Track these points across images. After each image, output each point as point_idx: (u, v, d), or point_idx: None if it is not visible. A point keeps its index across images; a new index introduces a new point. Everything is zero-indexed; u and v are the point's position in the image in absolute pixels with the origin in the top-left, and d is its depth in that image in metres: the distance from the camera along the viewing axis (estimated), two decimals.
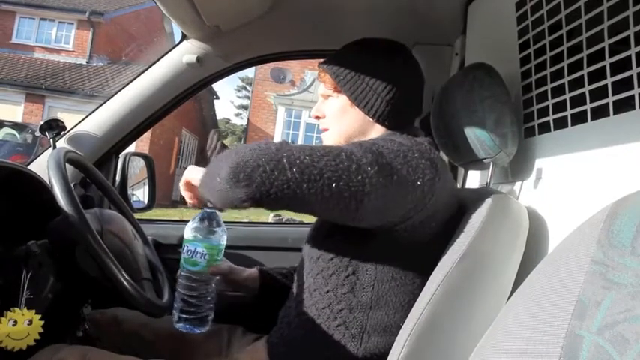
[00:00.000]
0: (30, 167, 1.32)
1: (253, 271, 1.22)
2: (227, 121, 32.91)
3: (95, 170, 1.32)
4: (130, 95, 1.52)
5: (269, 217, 7.90)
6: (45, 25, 14.91)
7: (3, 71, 13.34)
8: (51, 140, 1.39)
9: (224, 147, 1.03)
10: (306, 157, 0.75)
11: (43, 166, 1.38)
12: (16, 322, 0.90)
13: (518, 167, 1.21)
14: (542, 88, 1.10)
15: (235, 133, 31.14)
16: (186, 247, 1.04)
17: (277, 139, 11.13)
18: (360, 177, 0.76)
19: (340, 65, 1.05)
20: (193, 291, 1.05)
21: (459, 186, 1.57)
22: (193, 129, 16.39)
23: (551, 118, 1.07)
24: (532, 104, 1.15)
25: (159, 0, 1.24)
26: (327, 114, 1.10)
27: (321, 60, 1.11)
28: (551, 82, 1.07)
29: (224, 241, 1.08)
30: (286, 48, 1.57)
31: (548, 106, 1.08)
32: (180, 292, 1.05)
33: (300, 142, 12.71)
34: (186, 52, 1.51)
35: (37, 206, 1.11)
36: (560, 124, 1.04)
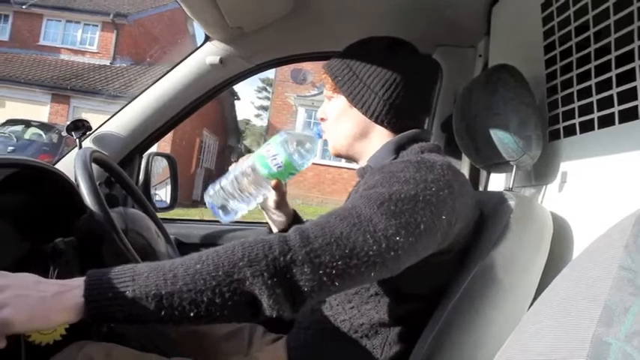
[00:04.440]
0: (56, 166, 1.34)
1: (293, 210, 1.21)
2: (247, 121, 33.17)
3: (120, 170, 1.34)
4: (153, 96, 1.54)
5: None
6: (71, 27, 15.22)
7: (31, 72, 13.66)
8: (77, 140, 1.42)
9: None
10: (339, 263, 0.69)
11: (69, 165, 1.41)
12: None
13: (541, 170, 1.19)
14: (568, 91, 1.09)
15: (255, 134, 31.34)
16: (268, 148, 1.02)
17: None
18: (392, 252, 0.73)
19: (339, 66, 1.03)
20: (240, 183, 1.02)
21: (481, 188, 1.55)
22: (214, 129, 16.54)
23: (577, 120, 1.06)
24: (557, 107, 1.13)
25: (183, 2, 1.26)
26: (329, 116, 1.08)
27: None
28: (577, 85, 1.05)
29: (301, 169, 1.04)
30: (308, 49, 1.58)
31: (574, 108, 1.06)
32: (231, 176, 1.03)
33: (319, 142, 12.68)
34: (209, 53, 1.52)
35: (64, 204, 1.14)
36: (587, 126, 1.03)
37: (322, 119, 1.10)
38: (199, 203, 13.16)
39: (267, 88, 26.42)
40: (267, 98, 25.08)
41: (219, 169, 17.77)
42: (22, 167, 1.00)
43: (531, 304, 0.91)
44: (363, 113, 1.02)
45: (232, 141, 18.39)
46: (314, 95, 13.15)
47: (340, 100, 1.04)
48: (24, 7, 14.16)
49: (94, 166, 1.23)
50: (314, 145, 1.04)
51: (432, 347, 0.88)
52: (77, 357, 0.91)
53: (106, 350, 0.93)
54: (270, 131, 14.76)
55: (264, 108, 28.05)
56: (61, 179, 1.13)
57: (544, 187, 1.18)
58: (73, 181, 1.15)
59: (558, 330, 0.54)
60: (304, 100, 13.10)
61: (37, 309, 0.63)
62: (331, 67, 1.04)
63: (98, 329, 1.17)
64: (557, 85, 1.14)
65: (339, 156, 1.10)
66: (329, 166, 12.04)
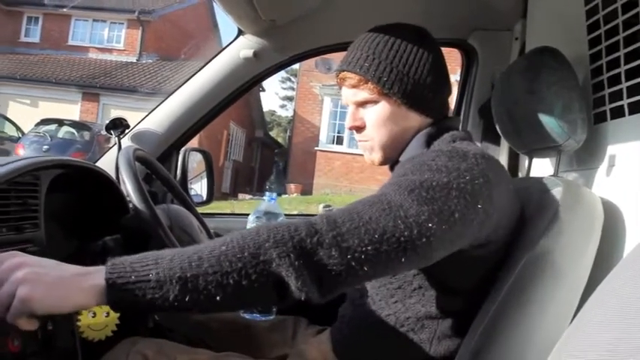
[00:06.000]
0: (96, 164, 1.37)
1: None
2: (272, 112, 33.30)
3: (161, 167, 1.35)
4: (189, 92, 1.55)
5: (319, 207, 7.94)
6: (98, 26, 15.55)
7: (61, 72, 13.97)
8: (116, 138, 1.45)
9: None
10: (368, 247, 0.68)
11: (109, 164, 1.44)
12: (95, 314, 0.93)
13: (586, 154, 1.16)
14: (615, 71, 1.05)
15: (281, 125, 31.46)
16: None
17: (324, 129, 11.00)
18: (424, 239, 0.70)
19: (378, 65, 0.93)
20: None
21: (521, 174, 1.52)
22: (241, 122, 16.64)
23: (625, 102, 1.02)
24: (603, 88, 1.10)
25: None
26: (370, 123, 0.97)
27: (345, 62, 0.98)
28: (625, 64, 1.02)
29: None
30: (342, 39, 1.54)
31: (622, 89, 1.03)
32: None
33: (346, 131, 12.68)
34: (243, 47, 1.52)
35: (106, 203, 1.16)
36: (636, 108, 0.99)
37: (358, 128, 0.99)
38: (229, 195, 13.31)
39: (292, 78, 26.41)
40: (292, 88, 25.15)
41: (247, 161, 17.94)
42: (70, 168, 1.02)
43: (584, 293, 0.89)
44: (420, 112, 0.96)
45: (259, 132, 18.49)
46: None
47: (388, 104, 0.95)
48: (65, 9, 14.49)
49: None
50: (276, 208, 1.12)
51: (481, 340, 0.86)
52: (130, 353, 0.93)
53: (157, 346, 0.95)
54: (296, 121, 14.78)
55: (289, 98, 28.12)
56: (104, 178, 1.15)
57: (590, 171, 1.14)
58: (114, 179, 1.17)
59: (625, 321, 0.52)
60: (330, 90, 13.04)
61: (54, 287, 0.62)
62: (369, 69, 0.94)
63: (145, 324, 1.20)
64: (602, 65, 1.10)
65: (385, 163, 1.03)
66: (356, 155, 12.00)
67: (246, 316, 1.10)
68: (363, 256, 0.68)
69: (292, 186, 12.98)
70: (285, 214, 1.89)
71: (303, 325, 1.20)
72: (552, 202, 0.93)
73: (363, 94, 0.96)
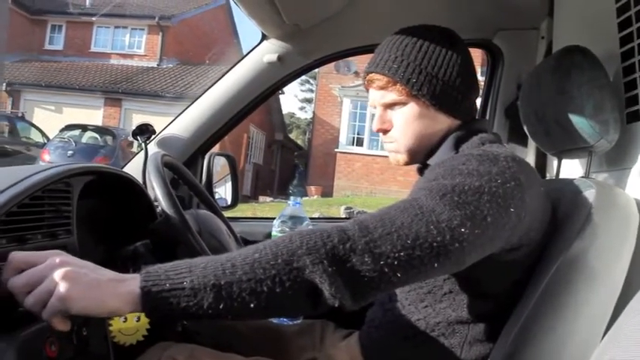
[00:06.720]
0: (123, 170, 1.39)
1: None
2: (292, 115, 33.36)
3: (188, 172, 1.37)
4: (214, 97, 1.57)
5: (340, 209, 7.93)
6: (119, 32, 15.87)
7: (85, 78, 14.26)
8: (143, 144, 1.46)
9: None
10: (401, 253, 0.67)
11: (135, 170, 1.45)
12: (126, 319, 0.95)
13: (619, 155, 1.13)
14: None
15: (300, 127, 31.51)
16: None
17: (344, 131, 10.99)
18: (457, 244, 0.70)
19: (407, 67, 0.93)
20: None
21: (549, 176, 1.50)
22: (260, 125, 16.73)
23: None
24: (636, 87, 1.08)
25: (240, 1, 1.27)
26: (397, 124, 0.97)
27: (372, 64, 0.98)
28: None
29: None
30: (366, 42, 1.55)
31: None
32: None
33: (366, 132, 12.67)
34: (267, 51, 1.53)
35: (134, 208, 1.17)
36: None
37: (385, 130, 0.99)
38: (250, 198, 13.38)
39: (310, 80, 26.43)
40: (311, 90, 25.16)
41: (267, 164, 18.03)
42: (100, 174, 1.03)
43: (619, 297, 0.87)
44: (449, 114, 0.96)
45: (279, 135, 18.56)
46: (359, 85, 13.07)
47: (416, 105, 0.95)
48: (94, 17, 14.80)
49: None
50: (301, 212, 1.14)
51: (514, 345, 0.85)
52: (161, 358, 0.94)
53: (188, 351, 0.96)
54: (315, 123, 14.81)
55: (308, 100, 28.15)
56: (132, 184, 1.16)
57: (622, 172, 1.12)
58: (141, 184, 1.18)
59: None
60: (349, 91, 13.05)
61: (92, 289, 0.62)
62: (397, 70, 0.93)
63: (173, 328, 1.21)
64: (634, 63, 1.08)
65: (411, 163, 1.03)
66: (376, 156, 11.96)
67: (274, 320, 1.11)
68: (396, 262, 0.67)
69: (312, 188, 13.00)
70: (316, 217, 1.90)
71: (330, 329, 1.19)
72: (585, 204, 0.91)
73: (392, 95, 0.96)
